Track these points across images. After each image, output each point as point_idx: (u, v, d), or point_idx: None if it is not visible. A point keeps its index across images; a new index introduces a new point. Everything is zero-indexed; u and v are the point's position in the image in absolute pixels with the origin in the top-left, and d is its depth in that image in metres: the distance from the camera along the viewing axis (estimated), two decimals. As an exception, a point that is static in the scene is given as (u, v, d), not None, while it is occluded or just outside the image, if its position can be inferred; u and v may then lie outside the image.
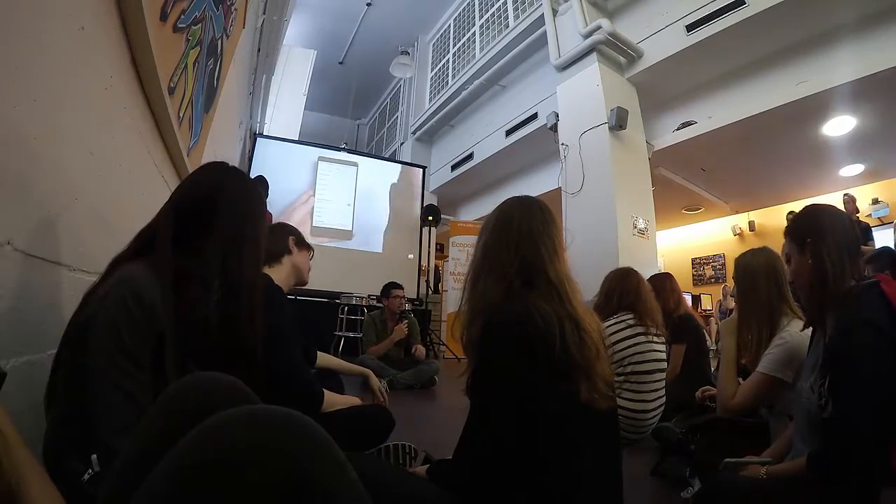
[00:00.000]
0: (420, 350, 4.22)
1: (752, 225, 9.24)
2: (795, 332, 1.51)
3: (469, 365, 1.02)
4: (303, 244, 1.87)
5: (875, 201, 7.37)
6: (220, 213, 0.99)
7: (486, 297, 1.04)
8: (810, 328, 1.27)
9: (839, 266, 1.12)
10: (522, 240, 1.07)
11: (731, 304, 7.42)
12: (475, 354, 1.00)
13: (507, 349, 0.94)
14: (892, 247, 5.06)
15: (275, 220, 6.17)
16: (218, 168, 1.09)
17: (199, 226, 0.97)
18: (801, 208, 1.29)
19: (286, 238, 1.80)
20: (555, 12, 6.77)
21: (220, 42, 2.42)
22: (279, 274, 1.75)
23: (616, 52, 6.22)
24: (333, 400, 1.73)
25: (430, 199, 9.43)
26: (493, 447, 0.92)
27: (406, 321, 4.20)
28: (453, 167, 9.79)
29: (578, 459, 0.93)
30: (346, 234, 7.55)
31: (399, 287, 4.24)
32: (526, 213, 1.12)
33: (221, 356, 0.94)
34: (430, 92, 10.95)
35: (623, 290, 2.28)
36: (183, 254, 0.94)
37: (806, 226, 1.22)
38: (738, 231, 9.52)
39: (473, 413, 0.98)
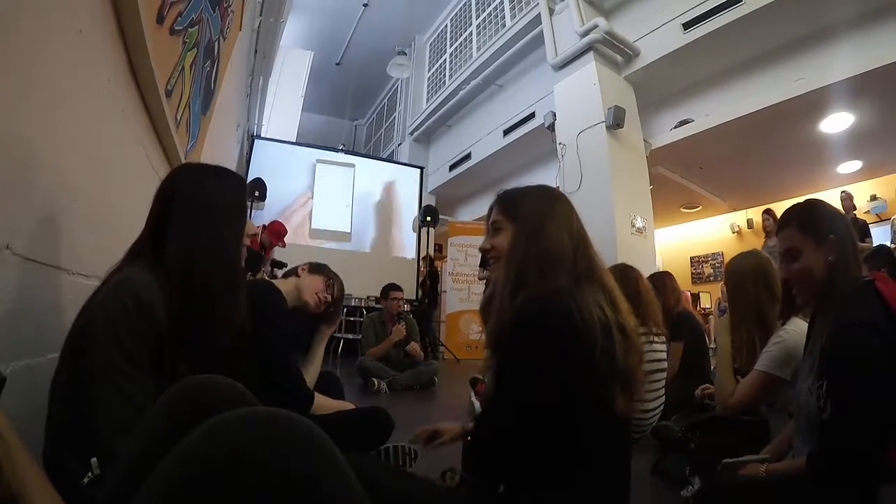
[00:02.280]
0: (414, 347, 4.20)
1: (750, 223, 9.24)
2: (793, 329, 1.51)
3: (491, 360, 0.98)
4: (318, 270, 1.95)
5: (873, 198, 7.38)
6: (179, 211, 0.98)
7: (532, 292, 0.96)
8: (807, 325, 1.27)
9: (853, 265, 1.13)
10: (576, 239, 1.03)
11: (730, 301, 7.41)
12: (504, 344, 0.95)
13: (541, 342, 0.88)
14: (890, 243, 5.08)
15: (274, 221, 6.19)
16: (181, 167, 1.10)
17: (168, 225, 0.97)
18: (805, 200, 1.26)
19: (299, 265, 1.96)
20: (551, 11, 6.77)
21: (216, 44, 2.42)
22: (283, 287, 1.84)
23: (613, 51, 6.22)
24: (325, 403, 1.78)
25: (429, 200, 9.43)
26: (506, 435, 0.90)
27: (403, 322, 4.21)
28: (451, 167, 9.77)
29: (600, 465, 0.91)
30: (345, 236, 7.56)
31: (398, 289, 4.24)
32: (573, 210, 1.08)
33: (212, 357, 0.94)
34: (428, 92, 10.93)
35: (625, 294, 2.24)
36: (165, 253, 0.94)
37: (828, 221, 1.19)
38: (736, 229, 9.53)
39: (494, 398, 0.96)
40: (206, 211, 1.01)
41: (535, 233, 1.01)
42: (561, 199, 1.09)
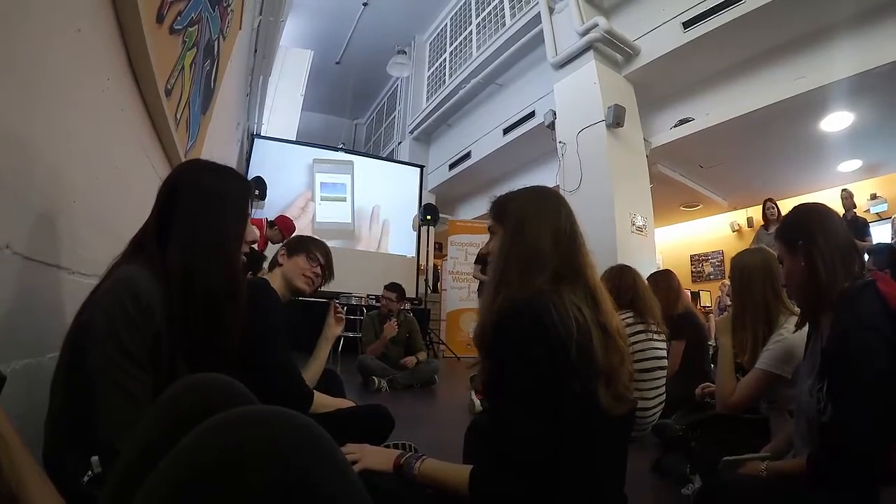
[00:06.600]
0: (408, 361, 4.13)
1: (750, 221, 9.23)
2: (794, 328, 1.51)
3: (483, 365, 0.98)
4: (296, 250, 1.87)
5: (873, 196, 7.37)
6: (181, 205, 0.97)
7: (516, 294, 0.96)
8: (805, 327, 1.26)
9: (831, 267, 1.10)
10: (562, 238, 1.01)
11: (730, 301, 7.41)
12: (489, 354, 0.95)
13: (522, 345, 0.88)
14: (890, 241, 5.07)
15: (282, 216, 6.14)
16: (186, 163, 1.09)
17: (171, 221, 0.96)
18: (792, 207, 1.27)
19: (280, 250, 1.89)
20: (551, 10, 6.75)
21: (216, 43, 2.42)
22: (274, 281, 1.82)
23: (613, 50, 6.21)
24: (325, 402, 1.77)
25: (429, 199, 9.43)
26: (533, 447, 0.86)
27: (394, 319, 4.19)
28: (451, 166, 9.77)
29: (593, 465, 0.91)
30: (349, 233, 7.56)
31: (391, 290, 4.25)
32: (564, 208, 1.05)
33: (211, 356, 0.93)
34: (428, 91, 10.93)
35: (620, 288, 2.24)
36: (165, 250, 0.94)
37: (796, 227, 1.20)
38: (736, 227, 9.52)
39: (499, 416, 0.92)
40: (206, 205, 0.99)
41: (517, 234, 1.03)
42: (547, 198, 1.08)
